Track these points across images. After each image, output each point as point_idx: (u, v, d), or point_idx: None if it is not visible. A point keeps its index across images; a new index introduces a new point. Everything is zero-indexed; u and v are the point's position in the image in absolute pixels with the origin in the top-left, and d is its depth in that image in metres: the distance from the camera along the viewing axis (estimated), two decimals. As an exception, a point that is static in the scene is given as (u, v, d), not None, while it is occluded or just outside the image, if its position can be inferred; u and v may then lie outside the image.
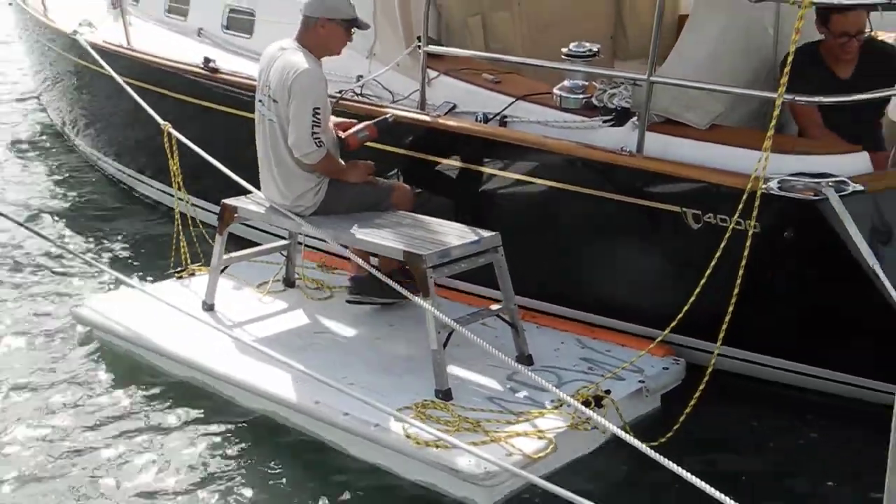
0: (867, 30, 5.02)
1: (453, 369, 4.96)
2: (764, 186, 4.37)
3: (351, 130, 5.52)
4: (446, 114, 5.71)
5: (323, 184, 5.41)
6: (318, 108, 5.18)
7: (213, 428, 5.08)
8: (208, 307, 5.85)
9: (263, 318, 5.78)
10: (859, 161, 4.55)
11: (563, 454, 4.52)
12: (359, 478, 4.64)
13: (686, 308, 4.55)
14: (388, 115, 5.63)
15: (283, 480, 4.66)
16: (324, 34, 5.34)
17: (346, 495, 4.53)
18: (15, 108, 12.35)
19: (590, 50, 5.31)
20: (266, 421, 5.07)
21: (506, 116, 5.50)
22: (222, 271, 5.94)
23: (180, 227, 6.67)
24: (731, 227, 4.46)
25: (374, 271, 5.21)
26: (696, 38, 5.13)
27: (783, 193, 4.38)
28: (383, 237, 5.12)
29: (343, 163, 5.49)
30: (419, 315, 5.00)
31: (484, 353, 4.61)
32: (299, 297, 6.03)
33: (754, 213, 4.36)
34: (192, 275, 6.37)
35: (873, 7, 4.88)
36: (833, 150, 4.64)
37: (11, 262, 7.35)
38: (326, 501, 4.49)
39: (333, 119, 5.63)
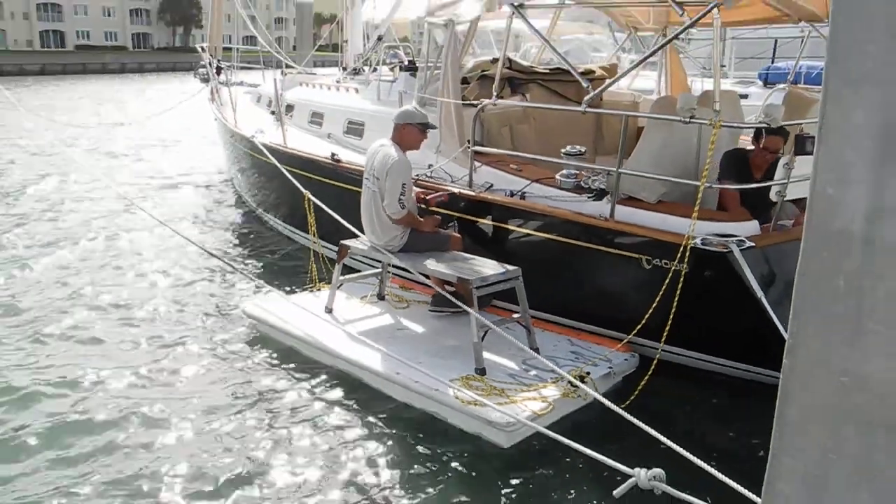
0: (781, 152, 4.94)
1: (487, 356, 4.88)
2: (692, 242, 4.30)
3: (435, 195, 5.62)
4: (485, 191, 5.69)
5: (406, 232, 5.40)
6: (405, 184, 5.19)
7: (332, 392, 5.05)
8: (329, 310, 5.83)
9: (364, 318, 5.77)
10: (752, 227, 4.48)
11: (558, 412, 4.44)
12: (423, 424, 4.59)
13: (643, 321, 4.48)
14: (455, 192, 5.66)
15: (374, 423, 4.64)
16: (406, 134, 5.37)
17: (417, 435, 4.49)
18: (216, 184, 12.52)
19: (579, 150, 5.28)
20: (363, 386, 5.03)
21: (525, 193, 5.47)
22: (339, 287, 5.93)
23: (313, 259, 6.68)
24: (671, 268, 4.39)
25: (440, 290, 5.19)
26: (647, 145, 5.09)
27: (704, 247, 4.30)
28: (445, 267, 5.09)
29: (420, 218, 5.46)
30: (465, 320, 4.95)
31: (508, 345, 4.62)
32: (387, 307, 6.01)
33: (686, 260, 4.28)
34: (319, 289, 6.37)
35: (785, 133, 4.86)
36: (736, 219, 4.55)
37: (200, 279, 7.41)
38: (407, 437, 4.48)
39: (416, 189, 5.64)
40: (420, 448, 4.37)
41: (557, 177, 5.32)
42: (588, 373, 4.67)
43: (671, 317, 4.37)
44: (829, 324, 1.83)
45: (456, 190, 5.75)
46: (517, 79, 6.94)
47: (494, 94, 5.66)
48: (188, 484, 3.98)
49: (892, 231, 1.67)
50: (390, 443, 4.42)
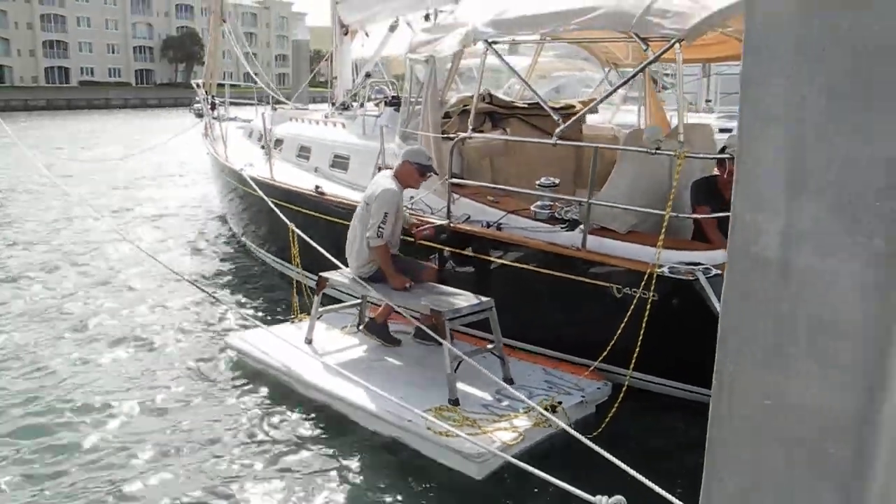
0: None
1: (462, 386, 4.89)
2: (659, 270, 4.35)
3: (421, 228, 5.66)
4: (463, 222, 5.75)
5: (373, 265, 5.46)
6: (387, 214, 5.25)
7: (307, 422, 5.05)
8: (308, 342, 5.84)
9: (342, 349, 5.78)
10: (719, 255, 4.51)
11: (529, 441, 4.44)
12: (396, 454, 4.59)
13: (610, 347, 4.51)
14: (442, 224, 5.72)
15: (347, 453, 4.64)
16: (405, 171, 5.47)
17: (390, 466, 4.49)
18: (208, 218, 12.61)
19: (553, 182, 5.35)
20: (339, 416, 5.03)
21: (500, 224, 5.53)
22: (318, 318, 5.96)
23: (296, 290, 6.71)
24: (638, 295, 4.43)
25: (418, 323, 5.20)
26: (618, 176, 5.17)
27: (671, 275, 4.34)
28: (419, 299, 5.12)
29: (392, 267, 5.41)
30: (439, 351, 4.96)
31: (482, 376, 4.63)
32: (366, 338, 5.99)
33: (652, 287, 4.33)
34: (301, 321, 6.38)
35: None
36: (702, 248, 4.60)
37: (186, 311, 7.43)
38: (377, 467, 4.47)
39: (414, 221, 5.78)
40: (392, 479, 4.36)
41: (532, 208, 5.38)
42: (560, 402, 4.68)
43: (639, 344, 4.40)
44: (751, 347, 1.88)
45: (437, 222, 5.80)
46: (497, 113, 7.05)
47: (470, 127, 5.76)
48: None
49: (805, 257, 1.73)
50: (362, 473, 4.42)
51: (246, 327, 6.64)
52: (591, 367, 4.91)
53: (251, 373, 5.77)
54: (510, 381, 5.03)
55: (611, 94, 6.04)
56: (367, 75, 9.11)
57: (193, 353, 6.28)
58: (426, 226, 5.73)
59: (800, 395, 1.77)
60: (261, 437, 4.84)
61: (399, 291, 5.31)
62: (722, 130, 9.30)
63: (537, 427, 4.48)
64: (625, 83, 6.37)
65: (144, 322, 7.04)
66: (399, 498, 4.19)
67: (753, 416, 1.86)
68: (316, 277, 6.01)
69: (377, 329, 5.77)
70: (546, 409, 4.50)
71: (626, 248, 4.76)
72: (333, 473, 4.41)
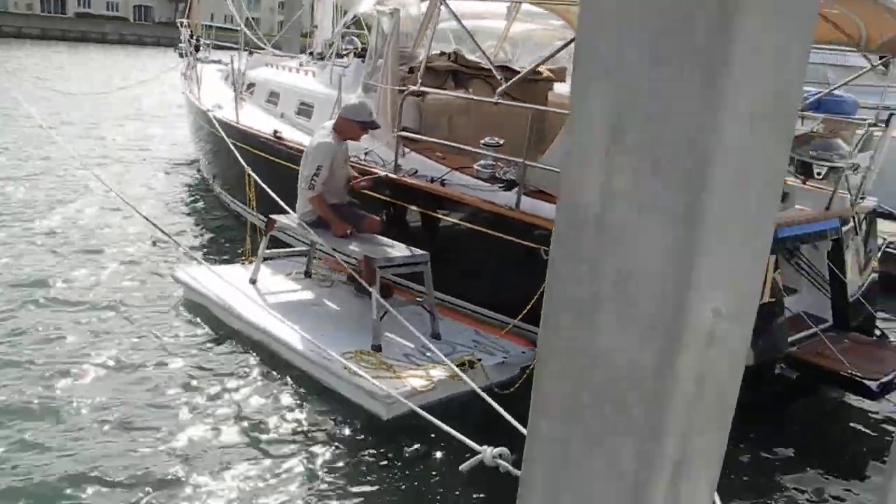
0: None
1: (390, 335, 5.03)
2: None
3: (359, 179, 5.66)
4: (409, 176, 5.79)
5: (314, 212, 5.54)
6: (320, 167, 5.30)
7: (239, 357, 5.22)
8: (252, 282, 5.92)
9: (284, 292, 5.88)
10: None
11: (441, 392, 4.57)
12: (316, 392, 4.75)
13: (528, 308, 4.61)
14: (381, 175, 5.76)
15: (273, 389, 4.80)
16: (342, 126, 5.51)
17: (309, 402, 4.67)
18: (181, 156, 12.59)
19: (497, 142, 5.39)
20: (269, 353, 5.17)
21: (444, 180, 5.58)
22: (265, 261, 6.03)
23: (249, 232, 6.76)
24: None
25: (350, 271, 5.30)
26: (559, 140, 5.21)
27: None
28: (355, 245, 5.21)
29: (331, 214, 5.51)
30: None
31: (412, 327, 4.71)
32: (311, 284, 6.10)
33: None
34: (250, 262, 6.41)
35: None
36: None
37: (142, 247, 7.52)
38: (299, 403, 4.66)
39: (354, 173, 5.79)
40: (308, 413, 4.54)
41: (475, 166, 5.43)
42: (479, 360, 4.79)
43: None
44: (570, 298, 1.96)
45: (382, 173, 5.84)
46: (462, 73, 7.04)
47: (418, 82, 5.76)
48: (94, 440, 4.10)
49: (619, 212, 1.80)
50: (283, 406, 4.60)
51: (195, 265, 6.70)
52: (510, 326, 5.01)
53: (195, 308, 5.89)
54: (437, 336, 5.14)
55: (547, 59, 6.08)
56: (348, 26, 9.02)
57: (141, 287, 6.38)
58: (365, 177, 5.75)
59: (607, 346, 1.84)
60: (191, 368, 4.98)
61: (339, 238, 5.37)
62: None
63: (452, 380, 4.57)
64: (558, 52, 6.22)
65: (96, 256, 7.11)
66: (311, 433, 4.36)
67: (569, 370, 1.94)
68: (269, 220, 6.06)
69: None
70: (463, 365, 4.61)
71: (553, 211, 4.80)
72: (255, 406, 4.58)
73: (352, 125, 5.49)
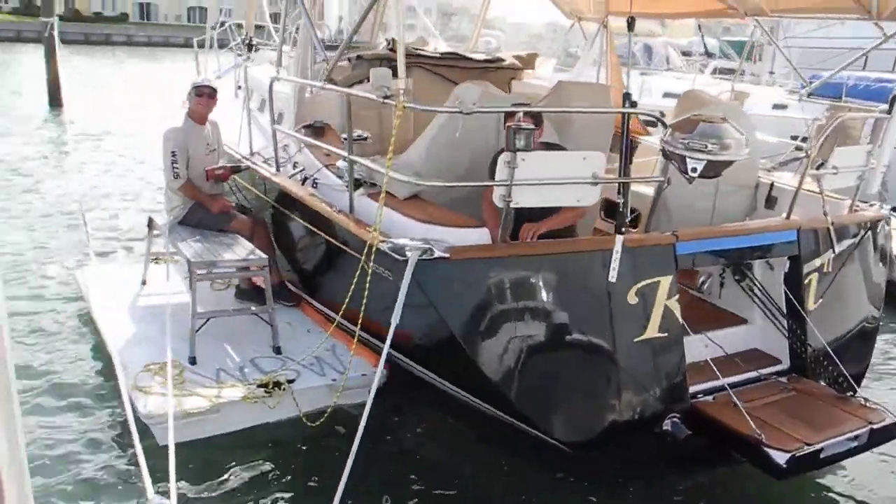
0: None
1: (222, 346, 4.64)
2: (380, 244, 3.77)
3: (212, 167, 5.27)
4: (275, 175, 5.29)
5: (187, 204, 5.21)
6: (174, 152, 5.02)
7: (78, 358, 4.99)
8: (143, 282, 5.70)
9: (160, 294, 5.41)
10: (477, 235, 3.84)
11: (232, 419, 4.10)
12: (109, 403, 4.44)
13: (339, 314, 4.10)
14: (234, 165, 5.37)
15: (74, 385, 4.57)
16: (189, 103, 5.25)
17: (95, 414, 4.37)
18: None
19: (360, 136, 4.80)
20: (101, 357, 4.92)
21: (315, 180, 5.05)
22: (154, 261, 5.86)
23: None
24: (360, 266, 3.92)
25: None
26: (422, 138, 4.60)
27: (389, 251, 3.73)
28: (190, 247, 4.83)
29: (204, 195, 5.23)
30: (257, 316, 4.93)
31: (257, 338, 4.62)
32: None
33: (372, 260, 3.78)
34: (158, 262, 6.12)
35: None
36: (470, 225, 3.91)
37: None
38: (86, 413, 4.38)
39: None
40: (93, 428, 4.22)
41: (337, 164, 4.86)
42: (291, 381, 4.26)
43: (360, 317, 3.87)
44: None
45: (244, 164, 5.45)
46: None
47: (325, 76, 5.24)
48: None
49: None
50: (72, 415, 4.36)
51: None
52: (330, 331, 4.54)
53: (80, 306, 5.76)
54: (277, 350, 4.67)
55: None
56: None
57: (50, 281, 6.39)
58: (218, 166, 5.35)
59: None
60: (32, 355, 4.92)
61: (222, 214, 5.20)
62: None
63: (245, 401, 4.07)
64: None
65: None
66: (86, 444, 4.07)
67: None
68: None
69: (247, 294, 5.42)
70: (267, 387, 4.10)
71: (389, 216, 4.15)
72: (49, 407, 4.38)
73: (190, 99, 5.21)
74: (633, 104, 3.76)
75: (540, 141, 4.04)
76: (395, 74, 6.51)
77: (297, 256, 5.38)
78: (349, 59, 6.58)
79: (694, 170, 3.56)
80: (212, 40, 11.64)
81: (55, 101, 17.23)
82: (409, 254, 3.57)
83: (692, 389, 4.09)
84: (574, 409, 3.86)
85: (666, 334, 3.95)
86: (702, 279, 5.06)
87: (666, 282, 3.93)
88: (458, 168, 4.42)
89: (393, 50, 6.52)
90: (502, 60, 6.83)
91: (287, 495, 3.72)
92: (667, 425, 3.96)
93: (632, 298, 3.85)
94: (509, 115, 3.77)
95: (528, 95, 6.40)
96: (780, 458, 3.65)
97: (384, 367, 4.49)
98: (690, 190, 4.40)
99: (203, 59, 9.60)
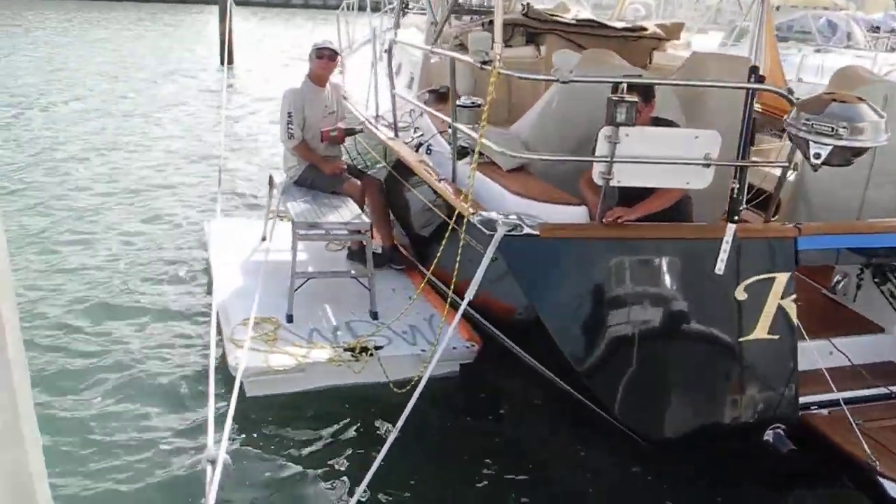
0: None
1: (321, 307, 4.75)
2: (472, 215, 3.67)
3: (327, 128, 5.36)
4: (390, 138, 5.29)
5: (302, 165, 5.36)
6: (290, 113, 5.17)
7: (188, 311, 5.32)
8: (263, 238, 5.88)
9: (280, 251, 5.44)
10: (575, 213, 3.65)
11: (316, 379, 4.20)
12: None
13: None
14: (350, 128, 5.43)
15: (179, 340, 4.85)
16: (311, 65, 5.35)
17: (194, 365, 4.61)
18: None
19: (472, 102, 4.68)
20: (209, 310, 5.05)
21: (430, 145, 5.01)
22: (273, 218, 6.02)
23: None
24: (449, 234, 3.85)
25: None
26: (534, 110, 4.44)
27: (477, 223, 3.61)
28: (297, 206, 4.96)
29: (316, 155, 5.35)
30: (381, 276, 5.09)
31: (353, 302, 4.71)
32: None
33: (463, 230, 3.70)
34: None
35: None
36: (553, 200, 3.72)
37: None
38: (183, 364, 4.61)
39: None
40: (187, 378, 4.44)
41: (448, 131, 4.78)
42: (379, 347, 4.28)
43: (451, 285, 3.81)
44: None
45: (358, 127, 5.47)
46: (531, 27, 6.26)
47: (434, 38, 5.18)
48: None
49: None
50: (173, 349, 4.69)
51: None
52: (418, 292, 4.48)
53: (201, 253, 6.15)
54: (374, 315, 4.72)
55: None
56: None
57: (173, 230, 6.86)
58: (334, 127, 5.41)
59: None
60: (144, 308, 5.23)
61: (333, 177, 5.28)
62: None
63: (330, 365, 4.15)
64: None
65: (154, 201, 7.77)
66: (168, 386, 4.32)
67: None
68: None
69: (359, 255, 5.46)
70: (353, 351, 4.16)
71: (489, 188, 4.04)
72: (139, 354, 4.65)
73: (310, 59, 5.30)
74: (760, 79, 3.40)
75: (652, 116, 3.76)
76: (528, 41, 6.38)
77: (406, 222, 5.42)
78: (482, 24, 6.47)
79: (817, 156, 3.14)
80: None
81: (227, 59, 18.54)
82: (498, 228, 3.44)
83: (804, 400, 3.70)
84: (661, 405, 3.60)
85: (777, 337, 3.58)
86: (836, 279, 4.55)
87: (782, 279, 3.55)
88: (569, 142, 4.20)
89: (526, 14, 6.33)
90: (644, 30, 6.43)
91: (343, 460, 3.76)
92: (768, 436, 3.61)
93: (740, 294, 3.52)
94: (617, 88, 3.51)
95: (664, 67, 6.00)
96: (890, 487, 3.23)
97: (474, 340, 4.50)
98: (834, 177, 3.94)
99: (351, 23, 9.75)
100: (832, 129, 3.10)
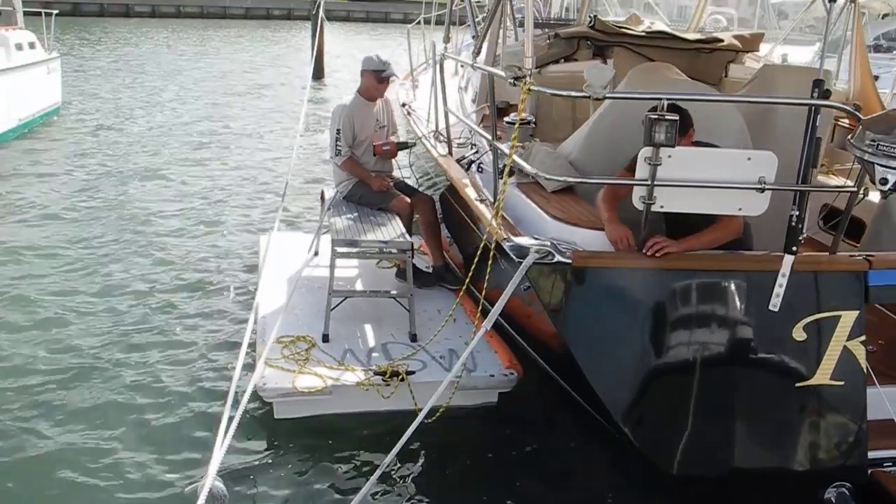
0: None
1: (361, 327, 4.67)
2: (504, 241, 3.48)
3: (379, 142, 5.29)
4: (443, 155, 5.19)
5: (351, 180, 5.32)
6: (339, 130, 5.14)
7: (229, 323, 5.34)
8: (315, 254, 5.83)
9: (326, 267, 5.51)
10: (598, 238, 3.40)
11: (344, 403, 4.09)
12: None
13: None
14: (404, 142, 5.35)
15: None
16: (363, 81, 5.26)
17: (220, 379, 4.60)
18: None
19: (525, 119, 4.50)
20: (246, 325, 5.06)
21: (481, 162, 4.86)
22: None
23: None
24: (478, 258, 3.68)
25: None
26: (582, 129, 4.24)
27: (506, 248, 3.42)
28: (341, 222, 4.90)
29: (365, 171, 5.30)
30: (422, 295, 5.06)
31: (396, 321, 4.60)
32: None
33: (490, 256, 3.53)
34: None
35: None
36: (591, 226, 3.48)
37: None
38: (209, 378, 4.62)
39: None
40: (204, 392, 4.45)
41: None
42: (411, 372, 4.13)
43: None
44: None
45: (411, 141, 5.39)
46: (598, 40, 6.02)
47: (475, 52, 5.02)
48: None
49: None
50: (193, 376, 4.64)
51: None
52: (477, 326, 4.14)
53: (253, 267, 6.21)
54: (413, 338, 4.58)
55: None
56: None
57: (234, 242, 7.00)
58: (385, 141, 5.35)
59: None
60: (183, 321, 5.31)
61: (381, 193, 5.23)
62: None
63: (358, 387, 4.03)
64: None
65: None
66: (187, 401, 4.34)
67: None
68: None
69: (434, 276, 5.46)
70: (382, 373, 4.04)
71: (529, 210, 3.84)
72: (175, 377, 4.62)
73: (366, 76, 5.24)
74: (826, 94, 3.08)
75: (693, 140, 3.48)
76: (595, 54, 6.13)
77: (459, 242, 5.28)
78: (548, 38, 6.30)
79: (884, 181, 2.80)
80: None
81: (318, 73, 19.06)
82: (528, 255, 3.24)
83: (875, 455, 3.31)
84: (703, 453, 3.30)
85: (841, 382, 3.22)
86: None
87: (849, 318, 3.19)
88: (618, 163, 3.95)
89: (593, 27, 6.10)
90: (720, 41, 6.07)
91: (357, 489, 3.61)
92: (830, 494, 3.24)
93: (798, 334, 3.19)
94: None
95: (740, 81, 5.63)
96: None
97: (515, 368, 4.30)
98: None
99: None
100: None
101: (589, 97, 3.17)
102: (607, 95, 3.33)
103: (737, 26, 7.82)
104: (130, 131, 12.04)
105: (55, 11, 13.27)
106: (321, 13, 16.33)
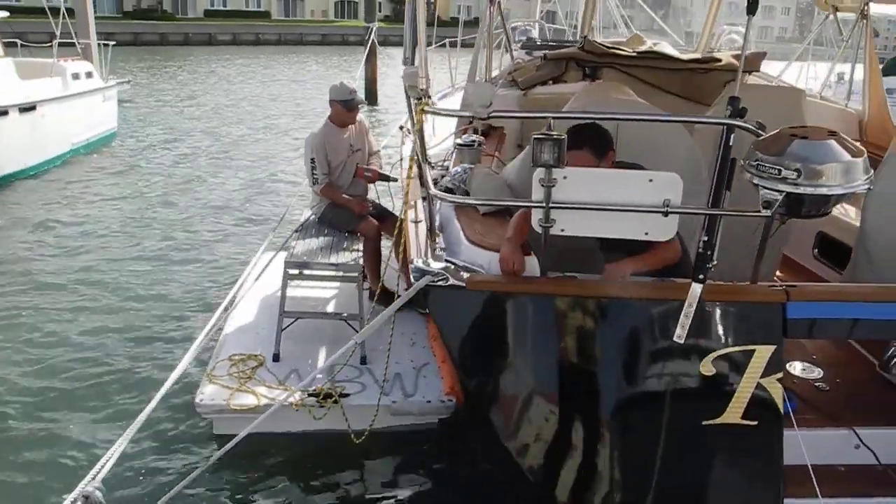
0: None
1: (313, 346, 4.76)
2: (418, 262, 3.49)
3: (363, 167, 5.45)
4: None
5: (324, 203, 5.41)
6: (314, 159, 5.24)
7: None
8: None
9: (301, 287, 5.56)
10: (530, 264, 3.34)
11: (278, 423, 4.08)
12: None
13: None
14: (393, 177, 5.50)
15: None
16: (333, 111, 5.37)
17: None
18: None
19: (472, 141, 4.51)
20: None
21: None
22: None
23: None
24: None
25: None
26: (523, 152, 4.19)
27: (418, 270, 3.41)
28: (301, 245, 5.00)
29: (343, 198, 5.36)
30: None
31: (341, 346, 4.28)
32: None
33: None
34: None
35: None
36: (489, 247, 3.43)
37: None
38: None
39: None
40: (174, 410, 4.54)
41: (452, 170, 4.62)
42: (346, 394, 4.16)
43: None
44: None
45: (394, 178, 5.56)
46: (588, 61, 5.95)
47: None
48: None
49: None
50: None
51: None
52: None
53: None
54: (363, 360, 4.62)
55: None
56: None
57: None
58: (370, 169, 5.45)
59: None
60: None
61: (361, 216, 5.34)
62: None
63: (292, 407, 4.08)
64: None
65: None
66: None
67: None
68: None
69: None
70: (316, 395, 4.09)
71: (457, 234, 3.83)
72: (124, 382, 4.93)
73: (334, 105, 5.32)
74: (740, 112, 2.93)
75: (616, 161, 3.39)
76: (586, 75, 6.06)
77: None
78: (540, 59, 6.28)
79: (767, 205, 2.67)
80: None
81: (371, 97, 19.47)
82: (423, 278, 3.24)
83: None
84: (598, 493, 3.18)
85: (755, 423, 3.05)
86: (891, 352, 3.83)
87: (764, 353, 3.02)
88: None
89: (583, 49, 6.04)
90: (717, 61, 5.90)
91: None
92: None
93: (707, 369, 3.04)
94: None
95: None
96: None
97: (455, 395, 4.27)
98: None
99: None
100: (778, 171, 2.63)
101: (473, 116, 3.15)
102: (495, 114, 3.29)
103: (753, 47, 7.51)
104: (184, 157, 12.73)
105: (112, 42, 14.15)
106: (373, 38, 16.81)
